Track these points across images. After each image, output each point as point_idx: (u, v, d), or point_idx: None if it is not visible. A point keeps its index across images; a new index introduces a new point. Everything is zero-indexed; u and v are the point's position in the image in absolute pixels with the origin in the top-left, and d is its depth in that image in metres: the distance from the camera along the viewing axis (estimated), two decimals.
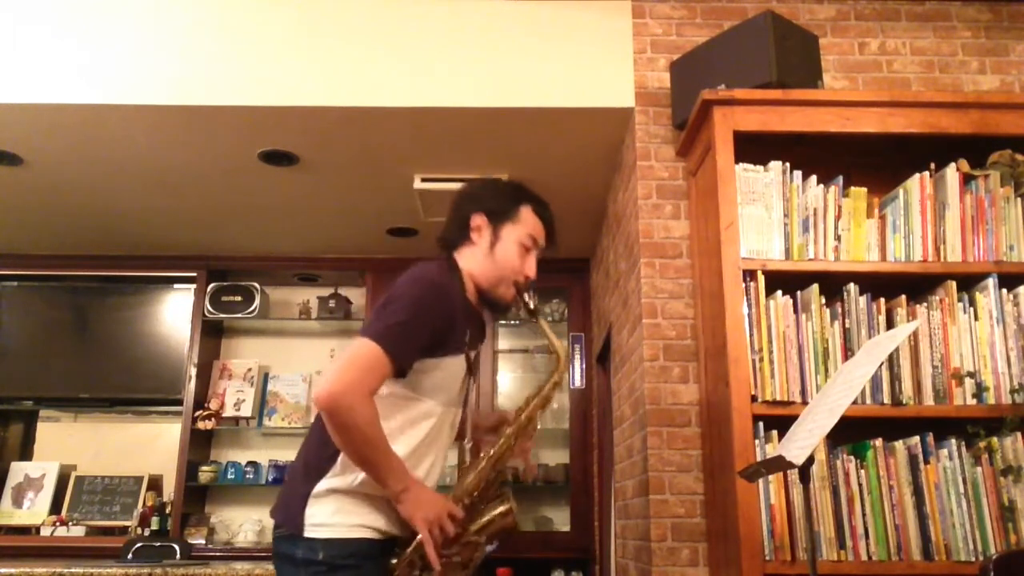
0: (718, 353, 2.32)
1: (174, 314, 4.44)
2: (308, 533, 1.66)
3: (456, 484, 1.81)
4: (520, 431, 1.85)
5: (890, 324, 2.30)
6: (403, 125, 2.99)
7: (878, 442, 2.20)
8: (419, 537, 1.67)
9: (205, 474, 4.23)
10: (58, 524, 4.15)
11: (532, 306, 1.88)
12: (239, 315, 4.40)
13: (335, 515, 1.67)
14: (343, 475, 1.69)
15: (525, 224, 1.86)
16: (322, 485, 1.69)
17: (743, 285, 2.26)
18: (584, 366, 4.34)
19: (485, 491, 1.80)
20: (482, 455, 1.83)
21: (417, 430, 1.73)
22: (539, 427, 1.94)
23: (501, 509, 1.79)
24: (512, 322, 4.60)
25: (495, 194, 1.90)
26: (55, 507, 4.25)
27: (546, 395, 1.88)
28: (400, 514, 1.68)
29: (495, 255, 1.84)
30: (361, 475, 1.67)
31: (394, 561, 1.72)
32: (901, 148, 2.47)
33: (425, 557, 1.67)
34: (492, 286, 1.85)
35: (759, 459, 2.08)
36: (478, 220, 1.85)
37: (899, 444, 2.20)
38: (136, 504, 4.27)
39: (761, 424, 2.19)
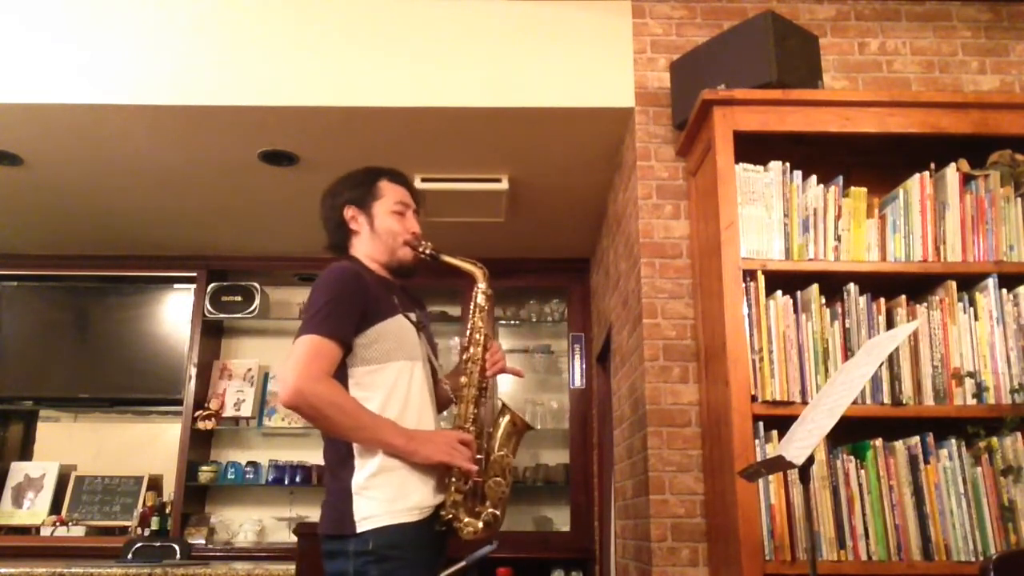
0: (718, 353, 2.32)
1: (174, 314, 4.44)
2: (360, 528, 1.76)
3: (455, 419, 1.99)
4: (476, 346, 2.01)
5: (890, 324, 2.30)
6: (403, 125, 2.98)
7: (878, 442, 2.20)
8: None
9: (205, 474, 4.23)
10: (58, 524, 4.15)
11: (429, 251, 2.02)
12: (239, 315, 4.40)
13: (383, 503, 1.78)
14: (368, 461, 1.81)
15: (389, 195, 2.05)
16: (357, 480, 1.80)
17: (743, 285, 2.26)
18: (584, 366, 4.33)
19: (480, 418, 1.98)
20: (462, 384, 2.00)
21: (398, 392, 1.88)
22: (522, 374, 2.29)
23: (504, 421, 1.99)
24: (512, 322, 4.61)
25: (352, 184, 2.07)
26: (55, 507, 4.25)
27: (479, 304, 2.03)
28: (420, 461, 1.82)
29: (377, 231, 2.02)
30: (381, 457, 1.80)
31: (443, 514, 1.85)
32: (901, 148, 2.47)
33: (458, 482, 1.86)
34: (390, 255, 2.02)
35: (759, 459, 2.08)
36: (350, 212, 2.03)
37: (899, 444, 2.20)
38: (136, 504, 4.27)
39: (761, 424, 2.19)
